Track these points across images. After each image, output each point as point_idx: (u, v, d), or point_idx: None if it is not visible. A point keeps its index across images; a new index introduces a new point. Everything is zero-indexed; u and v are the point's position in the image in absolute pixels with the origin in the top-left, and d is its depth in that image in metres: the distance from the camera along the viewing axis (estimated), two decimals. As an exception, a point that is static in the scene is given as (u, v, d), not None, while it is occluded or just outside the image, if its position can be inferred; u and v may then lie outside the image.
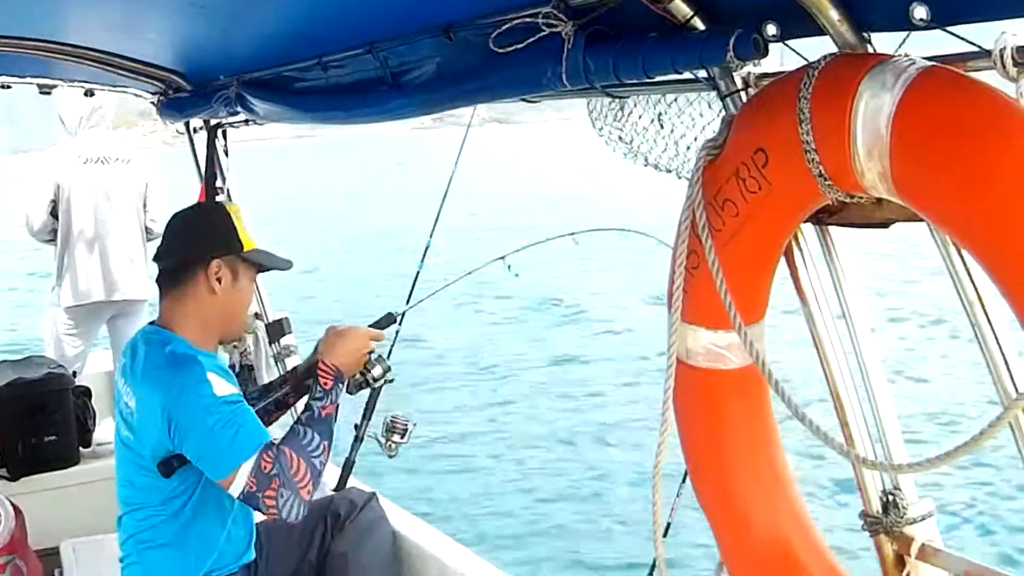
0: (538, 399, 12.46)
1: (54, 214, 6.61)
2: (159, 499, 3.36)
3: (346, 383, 3.56)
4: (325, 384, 3.42)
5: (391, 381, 3.88)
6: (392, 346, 4.38)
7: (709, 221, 2.12)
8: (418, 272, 4.84)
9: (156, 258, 3.56)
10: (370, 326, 3.81)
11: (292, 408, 3.96)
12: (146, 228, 6.83)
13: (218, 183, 5.30)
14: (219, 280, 3.43)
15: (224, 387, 3.25)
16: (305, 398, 3.61)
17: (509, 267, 4.53)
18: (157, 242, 3.61)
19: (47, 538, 4.59)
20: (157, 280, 3.54)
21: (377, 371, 3.79)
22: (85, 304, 6.70)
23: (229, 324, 3.56)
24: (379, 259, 21.51)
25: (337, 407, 3.46)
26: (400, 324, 3.99)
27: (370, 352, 3.69)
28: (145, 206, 6.80)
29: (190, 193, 5.42)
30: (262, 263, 3.58)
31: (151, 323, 3.52)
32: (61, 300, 6.72)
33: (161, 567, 3.41)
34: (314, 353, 3.71)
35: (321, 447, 3.27)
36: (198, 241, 3.50)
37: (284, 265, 3.66)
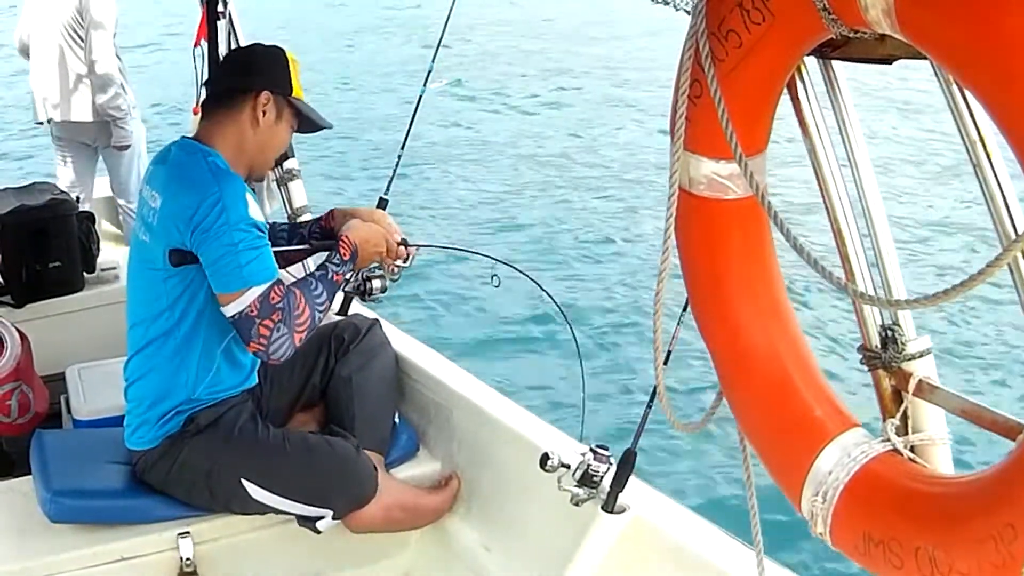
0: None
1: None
2: (164, 304, 3.43)
3: (355, 267, 3.67)
4: (344, 254, 3.53)
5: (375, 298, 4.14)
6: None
7: (712, 51, 2.08)
8: (420, 96, 4.77)
9: (207, 83, 3.70)
10: None
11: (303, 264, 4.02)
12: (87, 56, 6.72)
13: (219, 7, 5.15)
14: (264, 113, 3.50)
15: (257, 213, 3.34)
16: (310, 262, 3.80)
17: (494, 276, 4.20)
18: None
19: (53, 364, 4.68)
20: (203, 104, 3.60)
21: (376, 284, 4.07)
22: (45, 124, 6.92)
23: (258, 161, 3.62)
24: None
25: (344, 283, 3.66)
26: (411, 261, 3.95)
27: (385, 265, 3.87)
28: (83, 24, 6.69)
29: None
30: (306, 113, 3.64)
31: (184, 137, 3.58)
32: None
33: (162, 385, 3.50)
34: (321, 218, 3.89)
35: (325, 303, 3.41)
36: (254, 71, 3.57)
37: (325, 124, 3.71)
